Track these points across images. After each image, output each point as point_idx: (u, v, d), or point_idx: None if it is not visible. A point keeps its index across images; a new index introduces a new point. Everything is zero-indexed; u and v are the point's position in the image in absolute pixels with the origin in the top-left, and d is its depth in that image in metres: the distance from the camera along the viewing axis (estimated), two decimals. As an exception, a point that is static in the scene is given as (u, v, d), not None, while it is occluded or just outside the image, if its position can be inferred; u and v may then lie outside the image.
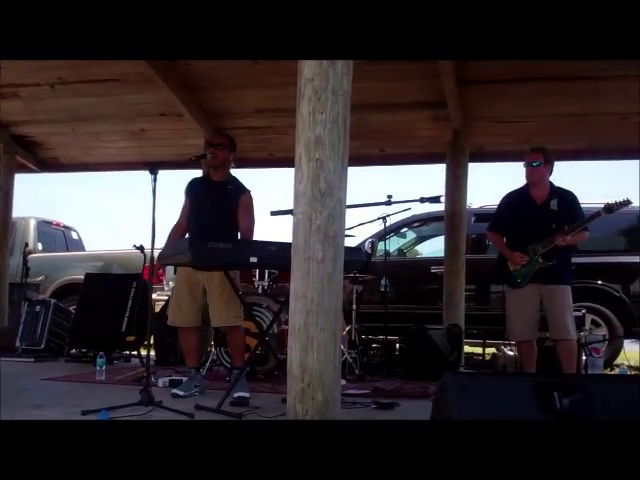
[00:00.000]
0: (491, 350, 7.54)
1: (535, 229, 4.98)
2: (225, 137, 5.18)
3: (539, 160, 4.98)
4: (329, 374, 3.15)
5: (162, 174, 4.40)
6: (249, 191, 5.00)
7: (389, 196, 5.92)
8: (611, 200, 4.86)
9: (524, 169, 5.06)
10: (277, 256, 4.22)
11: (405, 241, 8.96)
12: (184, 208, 5.10)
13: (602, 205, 4.94)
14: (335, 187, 3.20)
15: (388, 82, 6.47)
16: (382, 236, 7.20)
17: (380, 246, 7.66)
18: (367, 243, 7.58)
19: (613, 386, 3.14)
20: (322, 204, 3.17)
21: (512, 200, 5.23)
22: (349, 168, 3.34)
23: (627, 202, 4.83)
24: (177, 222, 5.09)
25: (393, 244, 8.60)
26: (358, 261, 4.67)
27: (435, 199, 5.85)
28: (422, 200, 5.81)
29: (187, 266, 4.85)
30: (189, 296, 4.90)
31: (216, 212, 4.86)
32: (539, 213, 5.01)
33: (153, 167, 4.33)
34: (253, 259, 4.31)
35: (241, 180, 5.11)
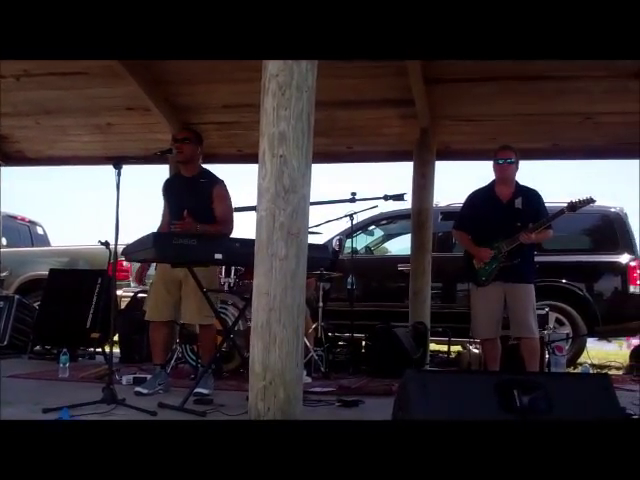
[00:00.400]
0: (457, 348, 7.60)
1: (500, 227, 5.00)
2: (190, 131, 5.14)
3: (512, 157, 5.01)
4: (291, 372, 3.15)
5: (130, 169, 4.35)
6: (222, 181, 4.96)
7: (353, 193, 5.93)
8: (575, 198, 4.90)
9: (495, 166, 5.06)
10: (242, 253, 4.16)
11: (373, 239, 9.00)
12: (164, 213, 5.10)
13: (566, 203, 4.98)
14: (299, 184, 3.19)
15: (355, 79, 6.48)
16: (350, 233, 7.21)
17: (348, 243, 7.67)
18: (335, 240, 7.56)
19: (572, 384, 3.18)
20: (286, 201, 3.16)
21: (477, 199, 5.26)
22: (314, 165, 3.34)
23: (590, 200, 4.87)
24: (159, 226, 5.07)
25: (361, 241, 8.62)
26: (323, 258, 4.65)
27: (399, 197, 5.87)
28: (386, 198, 5.82)
29: (151, 262, 4.80)
30: (164, 290, 4.88)
31: (191, 208, 4.81)
32: (504, 211, 5.04)
33: (117, 162, 4.28)
34: (218, 256, 4.27)
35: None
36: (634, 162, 6.74)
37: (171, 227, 4.82)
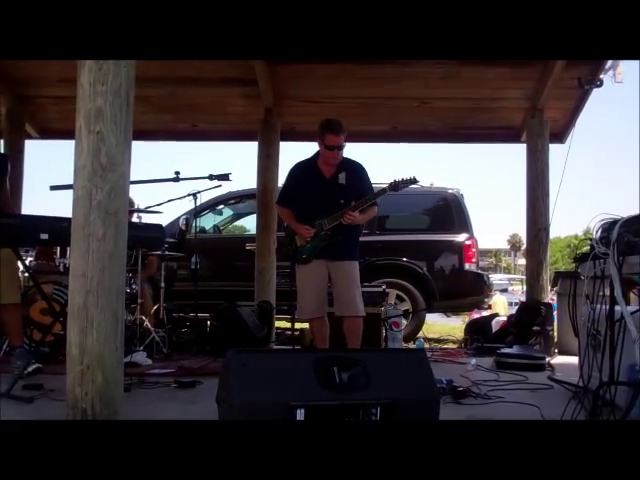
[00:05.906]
0: (306, 325, 7.66)
1: (323, 204, 4.74)
2: None
3: (342, 142, 4.70)
4: (110, 355, 3.07)
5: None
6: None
7: (177, 172, 5.71)
8: (398, 178, 4.76)
9: (324, 151, 4.72)
10: (70, 232, 4.03)
11: (222, 218, 8.94)
12: None
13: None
14: (117, 161, 3.10)
15: (197, 57, 6.37)
16: (197, 213, 7.09)
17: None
18: (182, 220, 7.45)
19: (389, 360, 3.31)
20: (103, 179, 3.06)
21: (300, 172, 4.95)
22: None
23: (413, 180, 4.79)
24: None
25: (209, 221, 8.55)
26: (155, 238, 4.57)
27: (224, 177, 5.76)
28: (211, 177, 5.70)
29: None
30: None
31: None
32: (327, 187, 4.78)
33: None
34: (44, 236, 4.14)
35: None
36: (468, 146, 7.06)
37: None
